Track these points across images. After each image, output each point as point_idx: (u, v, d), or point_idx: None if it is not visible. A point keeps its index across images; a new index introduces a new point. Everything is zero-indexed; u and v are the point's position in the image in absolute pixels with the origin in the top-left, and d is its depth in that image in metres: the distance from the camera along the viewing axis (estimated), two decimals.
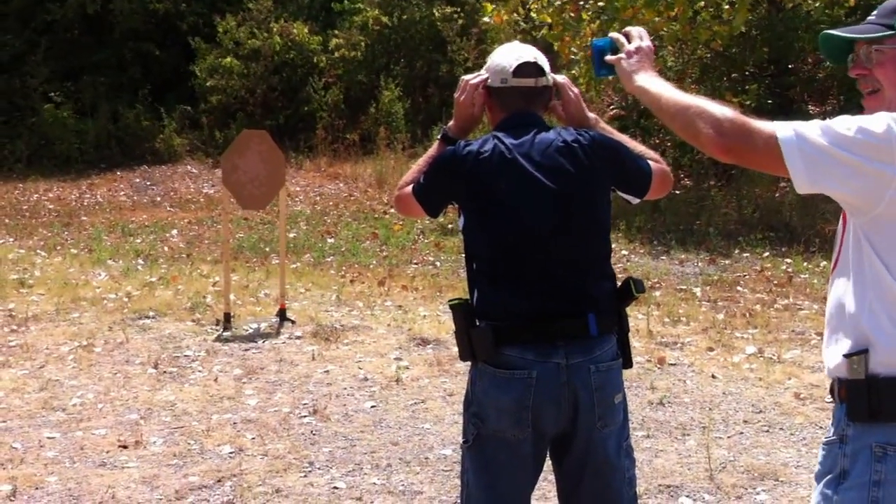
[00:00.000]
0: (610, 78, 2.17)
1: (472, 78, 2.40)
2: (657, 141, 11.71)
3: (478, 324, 2.26)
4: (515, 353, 2.20)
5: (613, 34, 2.11)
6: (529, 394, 2.18)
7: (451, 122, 2.45)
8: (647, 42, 2.05)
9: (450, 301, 2.34)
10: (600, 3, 9.98)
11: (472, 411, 2.28)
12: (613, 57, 2.07)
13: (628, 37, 2.08)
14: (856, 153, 1.64)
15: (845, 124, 1.67)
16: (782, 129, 1.68)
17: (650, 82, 1.94)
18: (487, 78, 2.37)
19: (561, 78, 2.42)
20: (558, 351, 2.19)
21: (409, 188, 2.40)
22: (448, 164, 2.32)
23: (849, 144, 1.65)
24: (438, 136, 2.46)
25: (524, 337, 2.20)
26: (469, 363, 2.32)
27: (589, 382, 2.20)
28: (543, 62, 2.35)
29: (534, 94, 2.34)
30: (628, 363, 2.33)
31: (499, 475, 2.25)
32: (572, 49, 9.71)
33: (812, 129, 1.67)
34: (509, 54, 2.35)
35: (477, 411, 2.26)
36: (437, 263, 8.32)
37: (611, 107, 13.37)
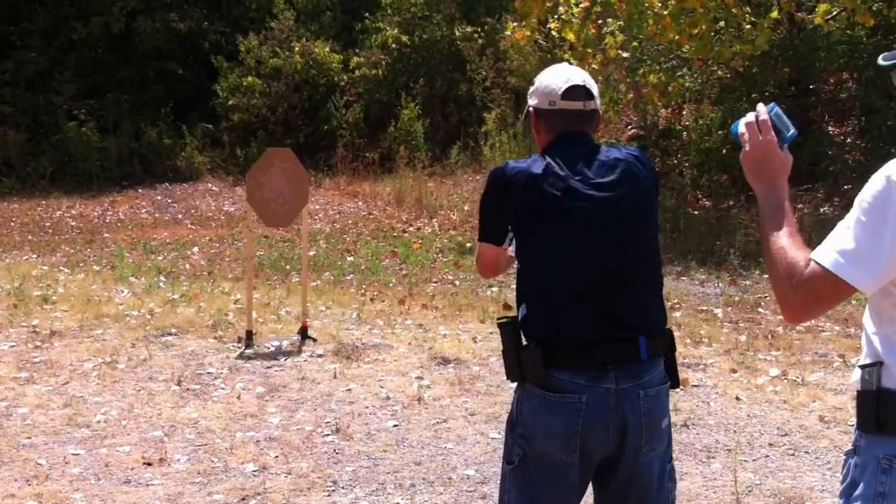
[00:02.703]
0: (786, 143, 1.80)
1: None
2: (675, 161, 11.70)
3: (525, 343, 2.22)
4: (566, 377, 2.16)
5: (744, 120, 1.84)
6: (579, 418, 2.15)
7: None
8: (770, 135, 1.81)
9: (498, 319, 2.32)
10: (620, 23, 10.01)
11: (519, 432, 2.23)
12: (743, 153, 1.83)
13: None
14: (881, 215, 1.63)
15: (857, 206, 1.66)
16: (824, 257, 1.65)
17: (765, 204, 1.83)
18: None
19: None
20: (608, 375, 2.16)
21: (478, 247, 2.40)
22: (498, 184, 2.28)
23: (870, 214, 1.64)
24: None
25: (574, 360, 2.17)
26: (509, 382, 2.30)
27: (638, 408, 2.18)
28: (592, 85, 2.32)
29: (582, 117, 2.30)
30: (675, 383, 2.31)
31: (542, 498, 2.22)
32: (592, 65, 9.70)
33: (843, 234, 1.66)
34: (558, 77, 2.31)
35: (523, 433, 2.22)
36: (457, 282, 8.33)
37: (629, 126, 13.39)
